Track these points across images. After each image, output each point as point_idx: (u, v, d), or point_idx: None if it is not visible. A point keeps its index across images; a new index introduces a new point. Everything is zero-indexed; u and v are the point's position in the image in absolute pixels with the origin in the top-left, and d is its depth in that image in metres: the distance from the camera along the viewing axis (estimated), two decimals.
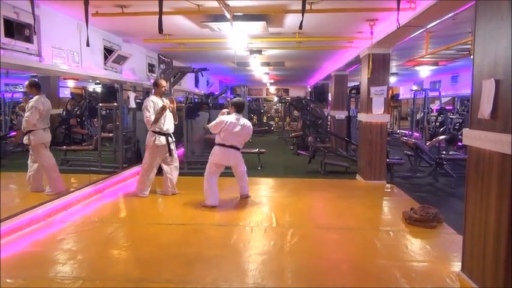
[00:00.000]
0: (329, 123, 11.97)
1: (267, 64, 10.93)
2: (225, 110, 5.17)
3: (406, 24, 4.53)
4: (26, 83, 5.22)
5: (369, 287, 2.97)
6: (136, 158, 7.01)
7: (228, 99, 7.08)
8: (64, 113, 9.44)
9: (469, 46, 6.29)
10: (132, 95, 6.87)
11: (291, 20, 5.34)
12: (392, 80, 14.52)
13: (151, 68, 8.19)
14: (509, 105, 2.37)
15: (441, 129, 11.31)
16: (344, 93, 10.68)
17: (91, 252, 3.52)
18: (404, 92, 17.46)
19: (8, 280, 2.93)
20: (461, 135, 4.61)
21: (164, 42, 6.98)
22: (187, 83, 10.90)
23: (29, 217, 4.11)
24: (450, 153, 8.23)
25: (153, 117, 5.14)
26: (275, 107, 22.97)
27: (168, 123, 5.32)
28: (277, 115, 21.79)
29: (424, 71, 11.91)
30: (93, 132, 8.81)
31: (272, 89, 21.08)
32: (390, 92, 9.49)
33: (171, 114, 5.40)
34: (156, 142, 5.22)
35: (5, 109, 9.71)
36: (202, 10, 4.65)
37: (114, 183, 6.04)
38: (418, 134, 13.40)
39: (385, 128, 6.54)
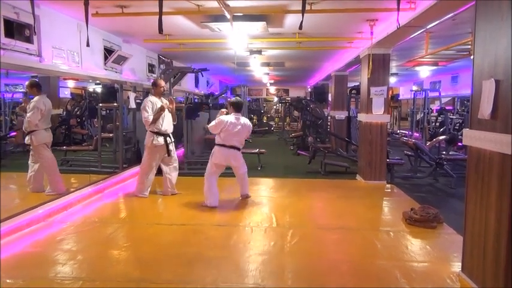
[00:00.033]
0: (329, 123, 11.97)
1: (267, 64, 10.93)
2: (224, 110, 5.16)
3: (406, 25, 4.53)
4: (27, 83, 5.22)
5: (369, 287, 2.96)
6: (136, 159, 7.00)
7: (228, 99, 7.05)
8: (64, 113, 9.44)
9: (469, 46, 6.30)
10: (132, 95, 6.87)
11: (291, 20, 5.34)
12: (392, 80, 14.53)
13: (151, 68, 8.20)
14: (509, 106, 2.37)
15: (441, 130, 11.31)
16: (344, 94, 10.69)
17: (91, 253, 3.52)
18: (404, 92, 17.46)
19: (8, 280, 2.93)
20: (461, 135, 4.61)
21: (164, 42, 6.99)
22: (187, 83, 10.90)
23: (29, 217, 4.11)
24: (450, 153, 8.23)
25: (151, 118, 5.14)
26: (275, 107, 22.97)
27: (167, 123, 5.32)
28: (277, 115, 21.78)
29: (424, 72, 11.92)
30: (93, 133, 8.81)
31: (272, 89, 21.08)
32: (390, 92, 9.51)
33: (169, 114, 5.40)
34: (154, 142, 5.21)
35: (5, 109, 9.71)
36: (202, 10, 4.65)
37: (114, 183, 6.04)
38: (418, 134, 13.40)
39: (385, 128, 6.54)
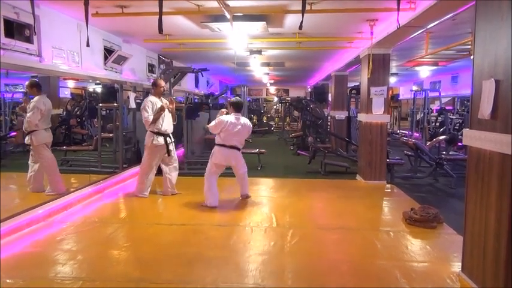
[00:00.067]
0: (329, 123, 11.97)
1: (267, 64, 10.93)
2: (224, 110, 5.16)
3: (406, 25, 4.53)
4: (27, 83, 5.22)
5: (369, 287, 2.97)
6: (136, 159, 7.00)
7: (228, 99, 7.04)
8: (64, 113, 9.44)
9: (469, 46, 6.30)
10: (132, 95, 6.87)
11: (291, 20, 5.34)
12: (392, 80, 14.53)
13: (151, 68, 8.20)
14: (510, 106, 2.37)
15: (441, 130, 11.31)
16: (344, 94, 10.69)
17: (91, 253, 3.52)
18: (404, 92, 17.46)
19: (8, 280, 2.93)
20: (461, 135, 4.61)
21: (164, 42, 6.99)
22: (187, 83, 10.90)
23: (29, 217, 4.11)
24: (450, 153, 8.23)
25: (151, 118, 5.14)
26: (275, 107, 22.97)
27: (167, 123, 5.32)
28: (277, 115, 21.79)
29: (424, 72, 11.92)
30: (93, 133, 8.81)
31: (272, 89, 21.08)
32: (390, 92, 9.50)
33: (169, 114, 5.40)
34: (154, 142, 5.21)
35: (5, 109, 9.71)
36: (202, 10, 4.65)
37: (114, 183, 6.04)
38: (418, 134, 13.40)
39: (385, 128, 6.54)
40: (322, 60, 10.13)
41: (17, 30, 4.12)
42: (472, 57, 2.89)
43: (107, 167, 6.87)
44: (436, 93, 13.58)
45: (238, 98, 5.48)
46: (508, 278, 2.40)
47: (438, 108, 13.49)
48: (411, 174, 7.31)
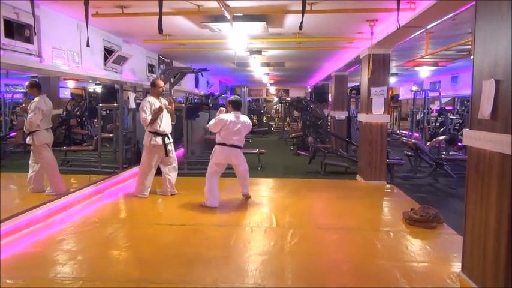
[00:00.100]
0: (329, 123, 11.96)
1: (267, 64, 10.93)
2: (223, 109, 5.15)
3: (406, 25, 4.54)
4: (27, 83, 5.22)
5: (369, 287, 2.96)
6: (136, 159, 6.99)
7: (228, 99, 7.04)
8: (64, 113, 9.44)
9: (469, 47, 6.30)
10: (132, 96, 6.87)
11: (291, 21, 5.34)
12: (392, 80, 14.53)
13: (151, 68, 8.20)
14: (510, 106, 2.37)
15: (441, 130, 11.32)
16: (344, 94, 10.69)
17: (91, 253, 3.52)
18: (404, 93, 17.46)
19: (8, 281, 2.93)
20: (461, 135, 4.61)
21: (164, 42, 6.99)
22: (187, 83, 10.90)
23: (29, 218, 4.11)
24: (450, 153, 8.23)
25: (149, 118, 5.13)
26: (275, 107, 22.98)
27: (165, 123, 5.31)
28: (277, 115, 21.79)
29: (424, 72, 11.92)
30: (93, 133, 8.81)
31: (272, 90, 21.08)
32: (390, 92, 9.51)
33: (168, 114, 5.39)
34: (152, 142, 5.21)
35: (5, 110, 9.71)
36: (202, 10, 4.65)
37: (114, 183, 6.04)
38: (418, 135, 13.40)
39: (385, 129, 6.54)
40: (322, 61, 10.14)
41: (17, 30, 4.12)
42: (472, 57, 2.89)
43: (107, 167, 6.87)
44: (436, 94, 13.58)
45: (237, 96, 5.48)
46: (508, 278, 2.39)
47: (438, 108, 13.50)
48: (411, 174, 7.31)
